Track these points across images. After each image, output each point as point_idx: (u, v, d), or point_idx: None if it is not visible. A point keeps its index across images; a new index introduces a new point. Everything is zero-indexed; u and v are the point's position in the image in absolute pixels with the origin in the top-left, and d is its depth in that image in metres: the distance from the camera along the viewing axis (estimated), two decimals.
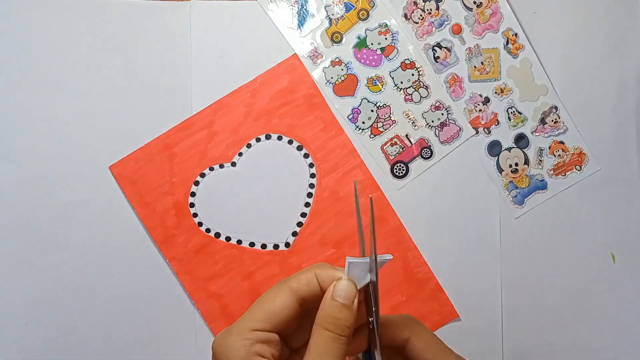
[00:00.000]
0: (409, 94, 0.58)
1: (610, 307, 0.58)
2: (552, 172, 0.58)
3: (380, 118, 0.58)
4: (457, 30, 0.58)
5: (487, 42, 0.58)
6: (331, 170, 0.57)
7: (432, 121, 0.58)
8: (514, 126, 0.58)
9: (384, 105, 0.58)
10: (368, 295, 0.35)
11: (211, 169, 0.56)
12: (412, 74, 0.58)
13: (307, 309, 0.33)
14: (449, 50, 0.58)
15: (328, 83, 0.57)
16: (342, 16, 0.57)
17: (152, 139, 0.56)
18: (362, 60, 0.58)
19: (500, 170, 0.58)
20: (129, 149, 0.56)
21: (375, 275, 0.34)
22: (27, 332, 0.54)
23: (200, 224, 0.56)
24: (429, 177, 0.58)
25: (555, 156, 0.58)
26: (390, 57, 0.58)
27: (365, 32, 0.57)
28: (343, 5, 0.57)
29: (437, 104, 0.58)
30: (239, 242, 0.56)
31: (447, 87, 0.58)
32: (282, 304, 0.32)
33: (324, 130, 0.57)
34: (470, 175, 0.58)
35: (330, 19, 0.57)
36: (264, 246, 0.56)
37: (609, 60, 0.58)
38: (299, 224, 0.56)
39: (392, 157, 0.58)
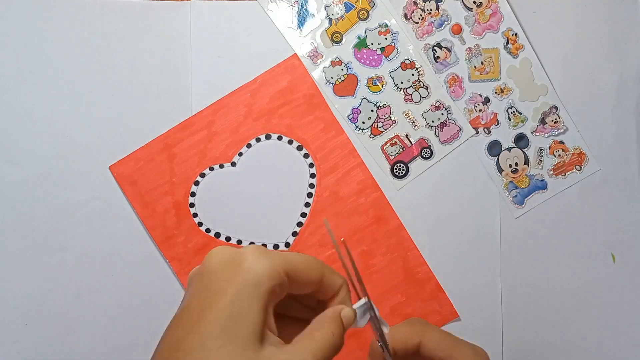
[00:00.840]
0: (409, 94, 0.58)
1: (610, 307, 0.58)
2: (552, 172, 0.58)
3: (380, 118, 0.58)
4: (457, 30, 0.58)
5: (487, 42, 0.58)
6: (331, 170, 0.57)
7: (432, 121, 0.58)
8: (514, 126, 0.58)
9: (384, 105, 0.58)
10: (374, 323, 0.36)
11: (211, 169, 0.56)
12: (412, 74, 0.58)
13: (310, 294, 0.34)
14: (449, 50, 0.58)
15: (328, 83, 0.57)
16: (342, 16, 0.57)
17: (152, 139, 0.56)
18: (362, 60, 0.58)
19: (500, 170, 0.58)
20: (129, 149, 0.56)
21: (374, 311, 0.35)
22: (27, 332, 0.54)
23: (200, 224, 0.56)
24: (429, 177, 0.58)
25: (555, 156, 0.58)
26: (390, 57, 0.58)
27: (365, 32, 0.57)
28: (343, 5, 0.57)
29: (437, 104, 0.58)
30: (239, 242, 0.56)
31: (447, 87, 0.58)
32: (312, 280, 0.33)
33: (324, 130, 0.57)
34: (470, 175, 0.58)
35: (330, 19, 0.57)
36: (264, 246, 0.56)
37: (609, 60, 0.58)
38: (299, 224, 0.56)
39: (392, 157, 0.58)
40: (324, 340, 0.31)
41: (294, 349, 0.30)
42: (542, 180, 0.58)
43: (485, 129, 0.58)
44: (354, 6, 0.57)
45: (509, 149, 0.58)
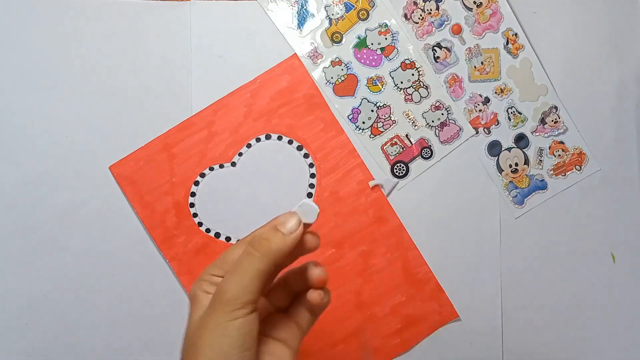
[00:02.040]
0: (409, 94, 0.58)
1: (610, 307, 0.58)
2: (552, 172, 0.58)
3: (380, 118, 0.58)
4: (457, 30, 0.58)
5: (487, 42, 0.58)
6: (331, 170, 0.57)
7: (432, 121, 0.58)
8: (514, 126, 0.58)
9: (384, 105, 0.58)
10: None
11: (211, 169, 0.56)
12: (412, 74, 0.58)
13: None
14: (449, 50, 0.58)
15: (328, 83, 0.57)
16: (342, 16, 0.57)
17: (152, 139, 0.56)
18: (362, 60, 0.58)
19: (500, 170, 0.58)
20: (129, 149, 0.56)
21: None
22: (27, 332, 0.54)
23: (200, 224, 0.56)
24: (429, 177, 0.58)
25: (555, 156, 0.58)
26: (390, 57, 0.58)
27: (365, 32, 0.57)
28: (343, 5, 0.57)
29: (437, 104, 0.58)
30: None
31: (447, 87, 0.58)
32: (236, 255, 0.36)
33: (324, 130, 0.57)
34: (470, 175, 0.58)
35: (330, 19, 0.57)
36: None
37: (609, 60, 0.58)
38: None
39: (392, 157, 0.58)
40: (241, 262, 0.35)
41: (223, 283, 0.35)
42: (542, 180, 0.58)
43: (485, 129, 0.58)
44: (354, 6, 0.57)
45: (509, 149, 0.58)
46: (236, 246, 0.37)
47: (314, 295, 0.37)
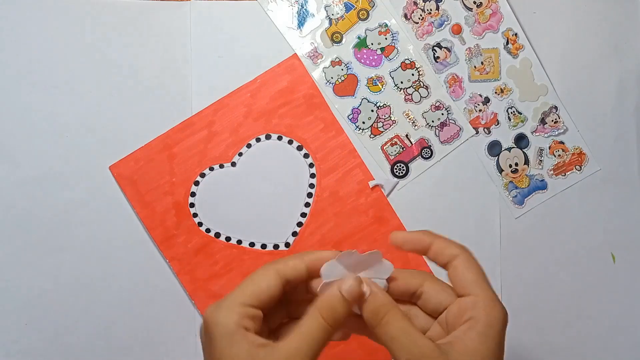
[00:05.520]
0: (409, 94, 0.58)
1: (610, 307, 0.58)
2: (552, 172, 0.58)
3: (380, 118, 0.58)
4: (457, 30, 0.58)
5: (487, 42, 0.58)
6: (331, 170, 0.57)
7: (432, 121, 0.58)
8: (514, 126, 0.58)
9: (384, 105, 0.58)
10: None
11: (211, 169, 0.56)
12: (412, 74, 0.58)
13: (289, 290, 0.35)
14: (449, 50, 0.58)
15: (328, 83, 0.57)
16: (342, 16, 0.57)
17: (152, 139, 0.56)
18: (362, 60, 0.58)
19: (500, 170, 0.58)
20: (129, 149, 0.56)
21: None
22: (27, 332, 0.54)
23: (200, 224, 0.56)
24: (429, 177, 0.58)
25: (555, 156, 0.58)
26: (390, 57, 0.58)
27: (365, 32, 0.57)
28: (343, 5, 0.57)
29: (437, 104, 0.58)
30: (239, 242, 0.56)
31: (447, 87, 0.58)
32: (268, 283, 0.34)
33: (324, 130, 0.57)
34: (470, 175, 0.58)
35: (330, 19, 0.57)
36: (264, 246, 0.56)
37: (609, 60, 0.58)
38: (299, 224, 0.56)
39: (392, 157, 0.58)
40: (310, 327, 0.33)
41: (284, 345, 0.32)
42: (542, 180, 0.58)
43: (485, 129, 0.58)
44: (354, 6, 0.57)
45: (509, 149, 0.58)
46: (264, 273, 0.34)
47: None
